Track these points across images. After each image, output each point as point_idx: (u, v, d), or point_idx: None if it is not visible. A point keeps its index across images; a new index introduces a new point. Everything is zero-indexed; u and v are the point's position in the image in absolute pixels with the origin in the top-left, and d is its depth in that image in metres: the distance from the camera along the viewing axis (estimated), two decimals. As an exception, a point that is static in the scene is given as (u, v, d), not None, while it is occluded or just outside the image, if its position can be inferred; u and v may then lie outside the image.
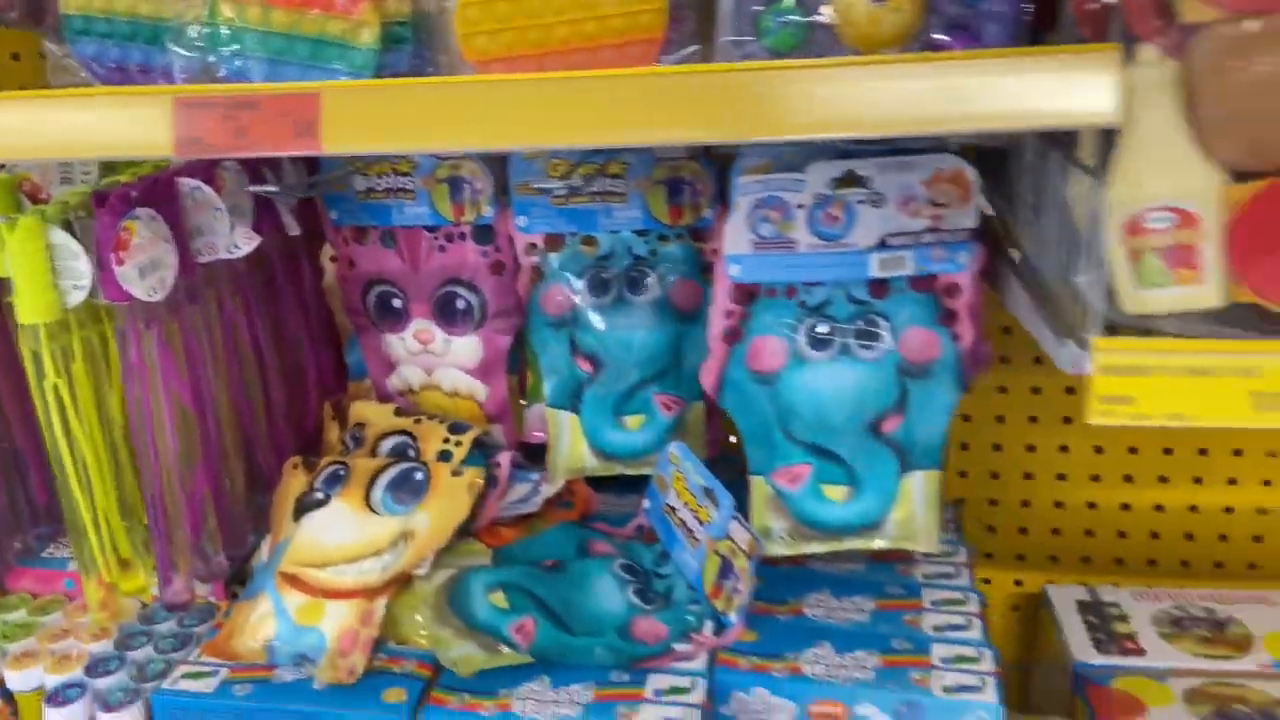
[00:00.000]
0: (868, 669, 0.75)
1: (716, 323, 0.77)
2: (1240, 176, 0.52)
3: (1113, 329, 0.55)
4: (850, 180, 0.72)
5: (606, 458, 0.92)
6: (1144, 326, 0.55)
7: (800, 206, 0.73)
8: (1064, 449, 1.05)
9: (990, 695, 0.71)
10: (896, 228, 0.73)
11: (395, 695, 0.74)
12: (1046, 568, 1.07)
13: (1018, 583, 1.09)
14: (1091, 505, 1.06)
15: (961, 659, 0.75)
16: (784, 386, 0.77)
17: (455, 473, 0.85)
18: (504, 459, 0.89)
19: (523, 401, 0.97)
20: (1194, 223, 0.52)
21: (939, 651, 0.76)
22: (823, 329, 0.75)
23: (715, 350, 0.78)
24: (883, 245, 0.73)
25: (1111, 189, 0.53)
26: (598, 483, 0.96)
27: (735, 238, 0.75)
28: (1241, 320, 0.53)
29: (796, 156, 0.72)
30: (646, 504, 0.91)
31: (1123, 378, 0.52)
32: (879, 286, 0.75)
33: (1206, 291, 0.53)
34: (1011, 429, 1.05)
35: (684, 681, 0.75)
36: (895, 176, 0.71)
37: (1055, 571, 1.06)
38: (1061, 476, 1.06)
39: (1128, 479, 1.04)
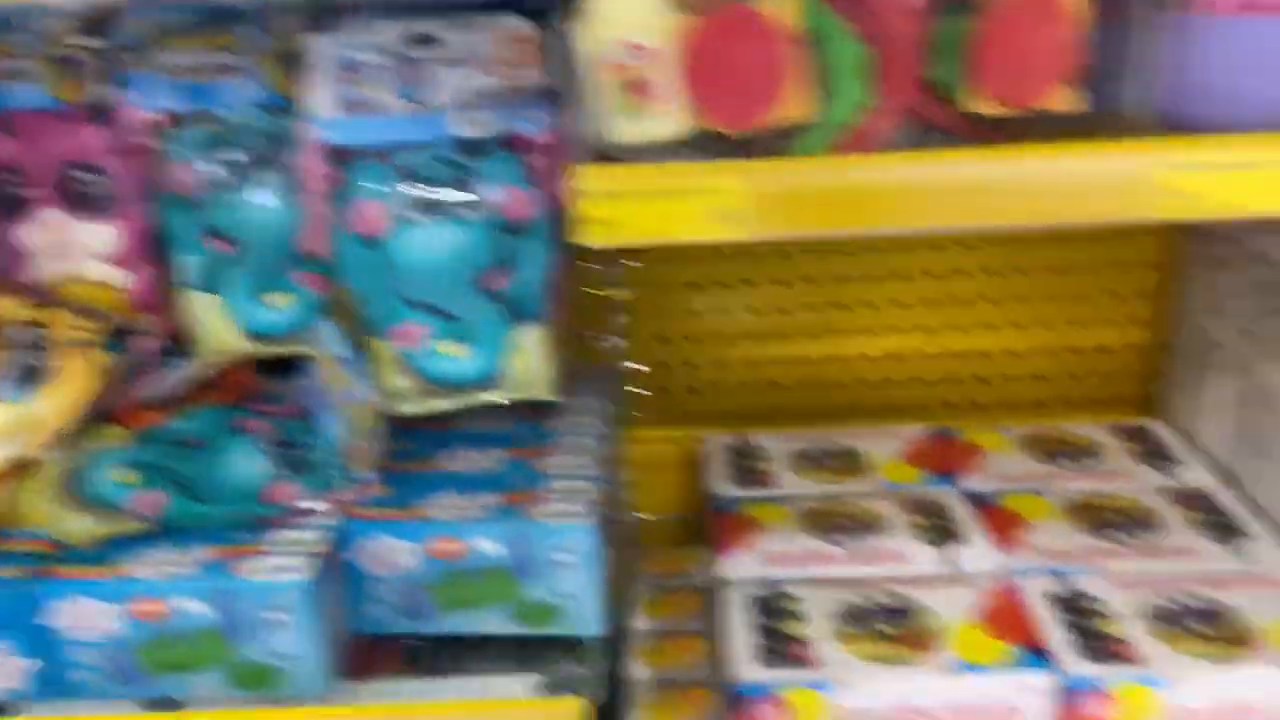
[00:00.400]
0: (486, 507, 0.81)
1: (314, 188, 0.79)
2: (691, 13, 0.58)
3: (609, 161, 0.60)
4: (424, 41, 0.75)
5: (256, 338, 0.92)
6: (636, 158, 0.60)
7: (379, 68, 0.75)
8: (722, 311, 1.14)
9: (589, 520, 0.79)
10: (474, 87, 0.76)
11: (10, 571, 0.75)
12: (713, 423, 1.16)
13: (697, 441, 1.18)
14: (749, 363, 1.16)
15: (572, 492, 0.82)
16: (390, 249, 0.80)
17: (82, 358, 0.84)
18: (144, 344, 0.89)
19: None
20: (655, 57, 0.57)
21: (555, 487, 0.83)
22: (420, 191, 0.78)
23: (316, 216, 0.80)
24: (462, 105, 0.76)
25: (586, 30, 0.58)
26: (270, 365, 0.97)
27: (321, 102, 0.76)
28: (715, 147, 0.60)
29: (369, 19, 0.74)
30: (305, 382, 0.93)
31: (606, 202, 0.58)
32: (469, 147, 0.78)
33: (672, 121, 0.59)
34: (673, 295, 1.13)
35: (306, 535, 0.78)
36: (465, 36, 0.74)
37: (721, 425, 1.16)
38: (721, 337, 1.14)
39: (779, 336, 1.14)
